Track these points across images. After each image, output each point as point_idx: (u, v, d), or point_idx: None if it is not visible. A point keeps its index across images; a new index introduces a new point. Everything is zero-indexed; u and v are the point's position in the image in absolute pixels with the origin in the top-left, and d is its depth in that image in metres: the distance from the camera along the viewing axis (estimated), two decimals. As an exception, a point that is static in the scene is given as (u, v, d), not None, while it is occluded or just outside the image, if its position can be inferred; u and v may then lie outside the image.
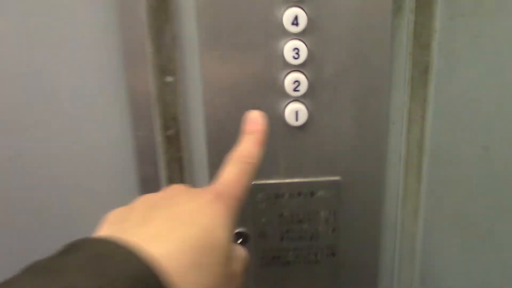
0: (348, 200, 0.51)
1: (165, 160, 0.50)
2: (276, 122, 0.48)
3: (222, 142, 0.49)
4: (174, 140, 0.49)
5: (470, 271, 0.51)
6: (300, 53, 0.46)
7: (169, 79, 0.47)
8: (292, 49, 0.46)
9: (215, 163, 0.50)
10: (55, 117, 0.50)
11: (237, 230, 0.52)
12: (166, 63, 0.47)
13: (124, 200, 0.52)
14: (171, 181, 0.51)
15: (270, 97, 0.48)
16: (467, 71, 0.45)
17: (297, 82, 0.47)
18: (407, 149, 0.49)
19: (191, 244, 0.30)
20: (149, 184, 0.51)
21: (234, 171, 0.35)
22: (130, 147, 0.50)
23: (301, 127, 0.48)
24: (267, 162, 0.49)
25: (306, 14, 0.45)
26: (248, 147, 0.37)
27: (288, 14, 0.45)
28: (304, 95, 0.47)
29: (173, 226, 0.31)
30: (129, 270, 0.27)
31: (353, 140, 0.49)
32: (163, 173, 0.50)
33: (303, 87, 0.47)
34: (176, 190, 0.36)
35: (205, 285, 0.30)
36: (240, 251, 0.36)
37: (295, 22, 0.45)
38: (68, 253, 0.28)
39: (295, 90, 0.47)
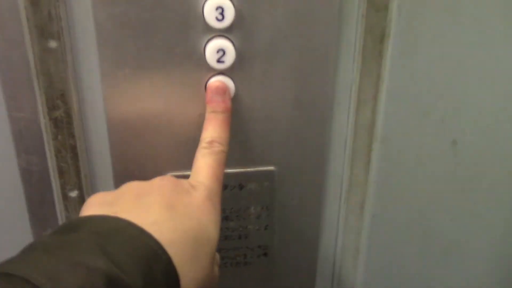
0: (283, 194, 0.43)
1: (53, 150, 0.39)
2: (195, 99, 0.38)
3: (126, 123, 0.39)
4: (63, 123, 0.38)
5: (420, 274, 0.44)
6: (225, 13, 0.35)
7: (53, 44, 0.36)
8: (215, 8, 0.35)
9: (119, 152, 0.40)
10: None
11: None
12: (47, 24, 0.35)
13: (4, 195, 0.42)
14: (63, 173, 0.40)
15: (188, 69, 0.37)
16: (431, 41, 0.36)
17: (221, 51, 0.37)
18: (354, 135, 0.40)
19: (191, 236, 0.30)
20: (34, 175, 0.40)
21: (212, 164, 0.34)
22: (7, 131, 0.39)
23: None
24: (185, 150, 0.40)
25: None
26: (219, 132, 0.35)
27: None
28: (231, 68, 0.37)
29: (172, 216, 0.31)
30: (142, 247, 0.27)
31: (290, 123, 0.40)
32: (51, 165, 0.39)
33: (229, 58, 0.37)
34: (165, 181, 0.34)
35: (199, 279, 0.30)
36: (217, 256, 0.36)
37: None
38: (73, 231, 0.28)
39: (219, 61, 0.37)
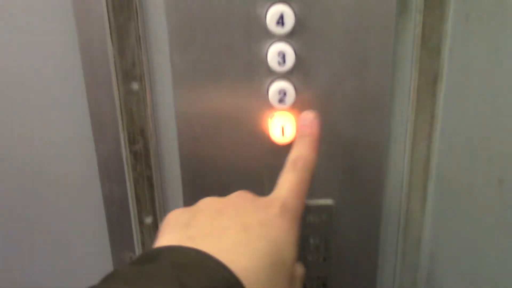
0: (341, 226, 0.45)
1: (132, 179, 0.44)
2: (258, 136, 0.42)
3: (197, 158, 0.43)
4: (142, 155, 0.43)
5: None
6: (286, 58, 0.39)
7: (135, 86, 0.41)
8: (277, 54, 0.39)
9: (190, 181, 0.44)
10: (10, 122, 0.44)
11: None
12: (131, 68, 0.40)
13: (88, 219, 0.47)
14: (139, 200, 0.44)
15: (252, 108, 0.41)
16: (483, 83, 0.37)
17: (283, 92, 0.40)
18: (410, 171, 0.42)
19: (267, 261, 0.29)
20: (115, 203, 0.45)
21: (293, 180, 0.34)
22: (94, 162, 0.44)
23: (288, 145, 0.42)
24: (247, 181, 0.43)
25: (294, 13, 0.38)
26: (304, 152, 0.36)
27: (273, 12, 0.38)
28: (292, 107, 0.40)
29: (247, 240, 0.30)
30: (219, 281, 0.27)
31: (348, 159, 0.43)
32: (130, 192, 0.44)
33: (290, 98, 0.40)
34: (241, 198, 0.34)
35: None
36: (299, 270, 0.35)
37: (280, 21, 0.38)
38: (151, 262, 0.28)
39: (280, 101, 0.40)
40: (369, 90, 0.40)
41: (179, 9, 0.38)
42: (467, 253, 0.42)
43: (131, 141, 0.42)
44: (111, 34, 0.39)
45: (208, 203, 0.33)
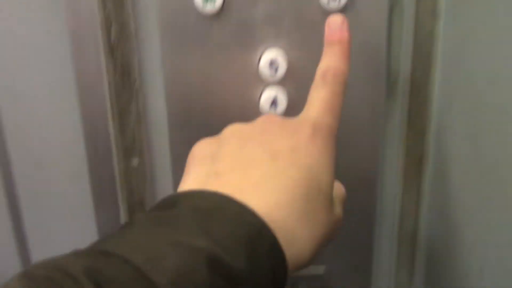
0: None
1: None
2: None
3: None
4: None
5: None
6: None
7: (135, 161, 0.43)
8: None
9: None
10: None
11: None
12: (131, 144, 0.42)
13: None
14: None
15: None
16: (466, 166, 0.39)
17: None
18: (399, 245, 0.43)
19: (300, 190, 0.27)
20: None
21: (324, 96, 0.30)
22: (95, 231, 0.45)
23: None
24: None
25: (286, 96, 0.40)
26: (334, 62, 0.31)
27: (266, 97, 0.40)
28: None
29: (276, 170, 0.27)
30: (244, 226, 0.25)
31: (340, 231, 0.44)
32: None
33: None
34: (268, 122, 0.31)
35: (314, 237, 0.27)
36: (339, 190, 0.32)
37: (273, 103, 0.40)
38: (171, 207, 0.26)
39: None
40: (358, 168, 0.42)
41: (177, 90, 0.40)
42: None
43: (131, 211, 0.44)
44: (112, 113, 0.41)
45: (234, 130, 0.31)
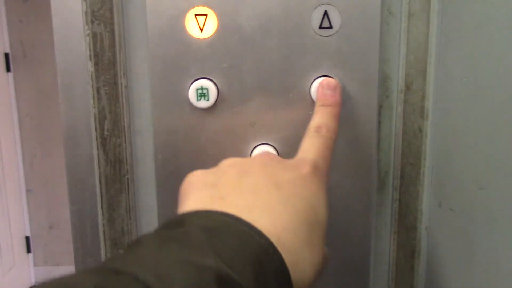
0: None
1: None
2: None
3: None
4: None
5: None
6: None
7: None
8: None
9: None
10: None
11: None
12: (120, 236, 0.41)
13: None
14: None
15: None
16: (458, 264, 0.39)
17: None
18: None
19: (303, 219, 0.28)
20: None
21: (319, 145, 0.32)
22: None
23: None
24: None
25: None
26: (327, 120, 0.34)
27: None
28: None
29: (281, 198, 0.28)
30: (252, 245, 0.25)
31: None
32: None
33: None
34: (267, 157, 0.32)
35: (315, 263, 0.27)
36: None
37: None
38: (179, 226, 0.25)
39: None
40: (350, 259, 0.42)
41: (168, 184, 0.40)
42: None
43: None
44: (102, 205, 0.41)
45: (231, 164, 0.31)
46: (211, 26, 0.37)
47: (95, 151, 0.40)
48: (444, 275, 0.39)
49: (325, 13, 0.37)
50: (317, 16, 0.37)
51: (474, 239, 0.34)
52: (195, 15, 0.37)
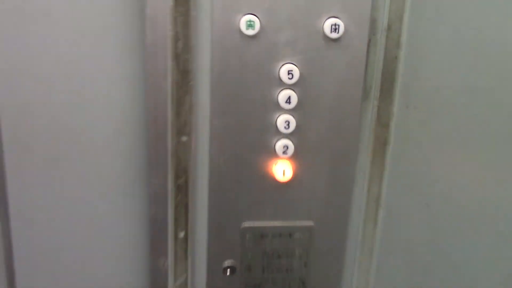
0: (318, 241, 0.64)
1: (173, 205, 0.61)
2: (266, 176, 0.60)
3: (222, 191, 0.61)
4: (183, 187, 0.60)
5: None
6: (290, 124, 0.59)
7: (184, 138, 0.58)
8: (284, 121, 0.59)
9: (215, 207, 0.61)
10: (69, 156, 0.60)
11: (227, 263, 0.63)
12: (183, 126, 0.58)
13: (133, 229, 0.63)
14: (177, 221, 0.61)
15: (264, 157, 0.60)
16: (416, 147, 0.59)
17: (285, 146, 0.59)
18: (367, 204, 0.62)
19: None
20: (157, 223, 0.62)
21: None
22: (146, 193, 0.61)
23: (287, 183, 0.61)
24: (256, 209, 0.62)
25: (297, 95, 0.58)
26: None
27: (283, 95, 0.58)
28: (291, 157, 0.60)
29: None
30: None
31: (325, 195, 0.62)
32: (170, 215, 0.61)
33: (290, 151, 0.59)
34: None
35: None
36: None
37: (288, 100, 0.58)
38: None
39: (283, 153, 0.59)
40: (342, 149, 0.61)
41: (219, 89, 0.57)
42: (407, 254, 0.63)
43: (177, 177, 0.60)
44: (172, 103, 0.57)
45: None
46: (260, -23, 0.54)
47: (169, 64, 0.55)
48: (406, 153, 0.59)
49: (338, -27, 0.54)
50: (332, -25, 0.54)
51: (432, 128, 0.54)
52: (249, -32, 0.53)
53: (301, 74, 0.57)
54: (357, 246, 0.65)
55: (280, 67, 0.57)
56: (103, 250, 0.64)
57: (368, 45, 0.57)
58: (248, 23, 0.55)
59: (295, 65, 0.57)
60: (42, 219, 0.62)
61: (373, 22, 0.57)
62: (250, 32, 0.55)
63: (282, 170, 0.60)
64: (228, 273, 0.64)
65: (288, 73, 0.57)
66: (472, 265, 0.66)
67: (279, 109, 0.58)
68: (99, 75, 0.57)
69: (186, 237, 0.62)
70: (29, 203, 0.61)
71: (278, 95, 0.58)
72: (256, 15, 0.55)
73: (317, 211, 0.63)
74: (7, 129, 0.58)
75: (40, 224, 0.62)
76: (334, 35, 0.56)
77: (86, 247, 0.64)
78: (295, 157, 0.60)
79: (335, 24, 0.55)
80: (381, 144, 0.60)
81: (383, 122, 0.60)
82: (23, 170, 0.59)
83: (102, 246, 0.64)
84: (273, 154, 0.60)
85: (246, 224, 0.62)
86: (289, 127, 0.59)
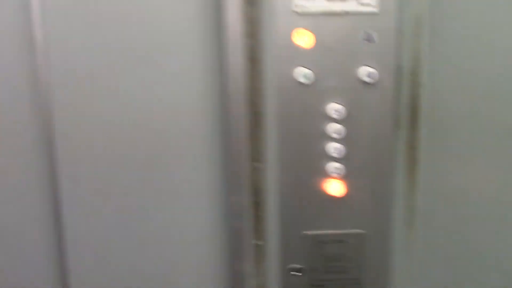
0: (368, 246, 0.78)
1: (249, 218, 0.77)
2: (323, 193, 0.77)
3: (289, 207, 0.77)
4: (258, 204, 0.77)
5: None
6: (340, 151, 0.75)
7: (258, 164, 0.76)
8: (335, 148, 0.75)
9: (284, 219, 0.78)
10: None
11: (294, 266, 0.79)
12: (257, 154, 0.76)
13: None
14: (255, 231, 0.78)
15: (321, 177, 0.77)
16: (441, 163, 0.75)
17: (338, 168, 0.76)
18: (405, 212, 0.77)
19: None
20: (237, 234, 0.78)
21: None
22: (224, 209, 0.78)
23: (340, 198, 0.77)
24: (316, 220, 0.78)
25: (344, 128, 0.75)
26: None
27: (333, 128, 0.75)
28: (342, 177, 0.76)
29: None
30: None
31: (371, 207, 0.78)
32: (247, 227, 0.78)
33: (342, 172, 0.76)
34: None
35: None
36: None
37: (337, 132, 0.75)
38: None
39: (336, 174, 0.76)
40: (383, 169, 0.77)
41: (285, 124, 0.75)
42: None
43: (253, 195, 0.77)
44: (248, 136, 0.75)
45: None
46: (310, 41, 0.73)
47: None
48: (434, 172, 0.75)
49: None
50: (365, 35, 0.73)
51: (453, 146, 0.70)
52: (301, 33, 0.73)
53: (346, 111, 0.75)
54: (401, 249, 0.79)
55: (330, 106, 0.75)
56: (188, 258, 0.81)
57: (396, 86, 0.74)
58: (304, 75, 0.73)
59: (341, 104, 0.74)
60: (112, 227, 0.80)
61: (399, 68, 0.74)
62: (305, 81, 0.73)
63: (336, 188, 0.76)
64: (295, 274, 0.79)
65: (336, 111, 0.75)
66: (505, 267, 0.79)
67: (331, 139, 0.75)
68: (182, 108, 0.77)
69: (261, 245, 0.78)
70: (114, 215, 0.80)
71: (329, 128, 0.75)
72: (309, 68, 0.73)
73: (367, 221, 0.78)
74: (62, 134, 0.76)
75: (114, 231, 0.80)
76: (369, 80, 0.74)
77: (170, 256, 0.81)
78: (346, 177, 0.76)
79: (370, 72, 0.73)
80: (412, 162, 0.76)
81: (412, 145, 0.76)
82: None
83: (186, 254, 0.81)
84: (328, 175, 0.76)
85: (309, 232, 0.78)
86: (339, 153, 0.76)
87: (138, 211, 0.79)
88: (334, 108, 0.74)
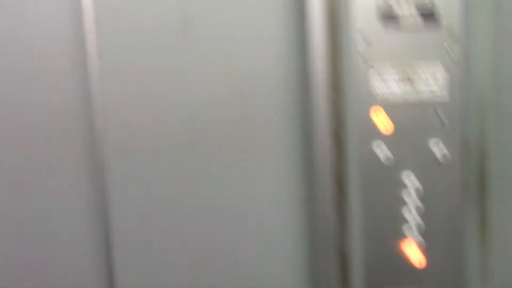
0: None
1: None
2: (404, 260, 0.86)
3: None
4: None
5: None
6: (418, 225, 0.85)
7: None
8: (415, 222, 0.85)
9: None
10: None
11: None
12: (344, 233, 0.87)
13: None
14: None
15: (398, 242, 0.86)
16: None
17: (417, 241, 0.86)
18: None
19: None
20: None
21: None
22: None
23: (421, 265, 0.86)
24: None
25: (421, 203, 0.85)
26: None
27: (410, 201, 0.85)
28: (420, 241, 0.85)
29: None
30: None
31: (451, 274, 0.87)
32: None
33: (419, 238, 0.85)
34: None
35: None
36: None
37: (413, 205, 0.85)
38: None
39: (415, 238, 0.86)
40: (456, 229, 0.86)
41: (366, 195, 0.86)
42: None
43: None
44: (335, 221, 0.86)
45: None
46: (389, 124, 0.84)
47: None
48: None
49: (439, 116, 0.84)
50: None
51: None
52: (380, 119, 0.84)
53: (421, 185, 0.85)
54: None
55: (407, 181, 0.85)
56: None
57: (465, 162, 0.84)
58: (382, 152, 0.84)
59: (416, 179, 0.85)
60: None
61: (464, 142, 0.84)
62: (383, 157, 0.84)
63: (416, 253, 0.86)
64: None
65: (412, 183, 0.85)
66: None
67: (409, 213, 0.85)
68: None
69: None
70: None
71: (405, 199, 0.85)
72: (387, 145, 0.84)
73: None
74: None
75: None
76: (440, 156, 0.84)
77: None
78: (424, 238, 0.86)
79: (442, 152, 0.83)
80: (483, 227, 0.85)
81: (484, 215, 0.85)
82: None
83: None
84: (404, 236, 0.86)
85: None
86: (417, 223, 0.85)
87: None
88: (411, 182, 0.84)
